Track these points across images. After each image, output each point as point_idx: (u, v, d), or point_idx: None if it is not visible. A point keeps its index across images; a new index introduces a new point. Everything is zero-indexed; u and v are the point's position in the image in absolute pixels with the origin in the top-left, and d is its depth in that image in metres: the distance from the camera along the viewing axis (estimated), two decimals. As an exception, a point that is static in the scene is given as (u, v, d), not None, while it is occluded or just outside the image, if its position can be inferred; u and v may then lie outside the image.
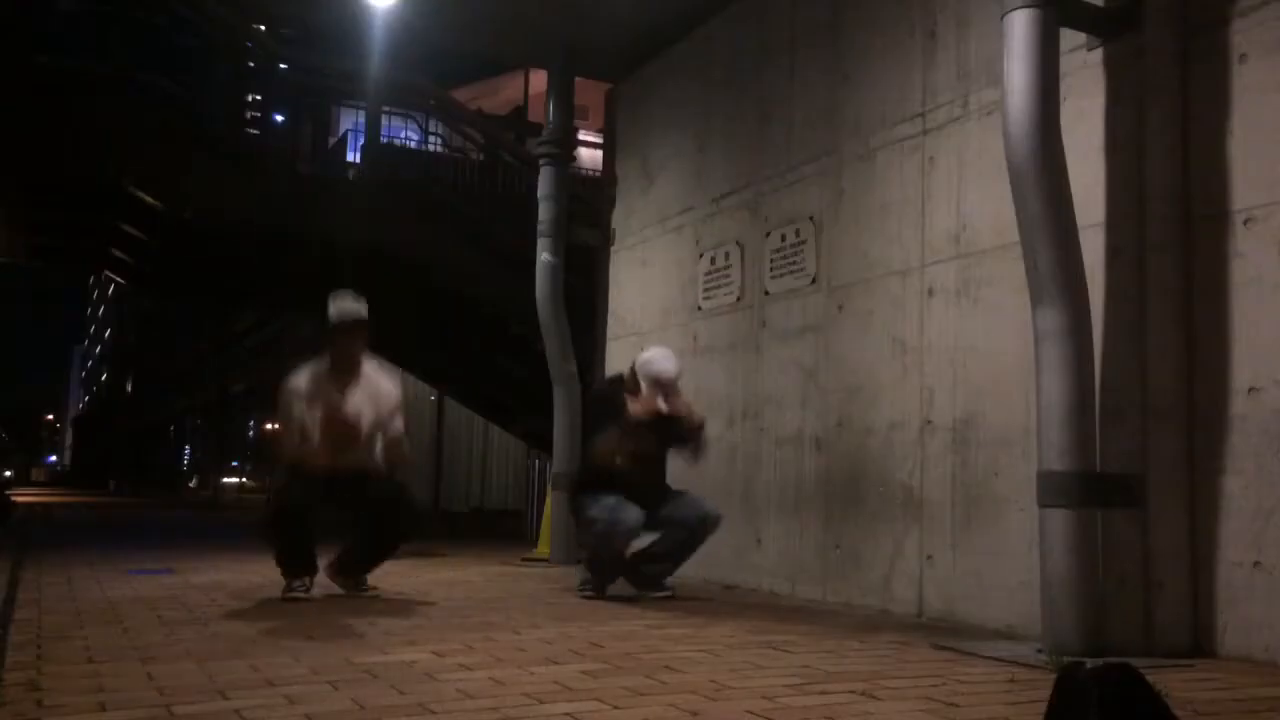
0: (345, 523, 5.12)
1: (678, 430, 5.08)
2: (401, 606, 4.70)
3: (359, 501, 4.97)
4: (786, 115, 5.81)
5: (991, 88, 4.38)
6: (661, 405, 4.99)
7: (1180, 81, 3.83)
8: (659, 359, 5.11)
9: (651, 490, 5.10)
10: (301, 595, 4.82)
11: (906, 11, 4.97)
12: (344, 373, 5.02)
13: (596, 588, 5.16)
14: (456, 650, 3.44)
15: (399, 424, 5.16)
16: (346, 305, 5.01)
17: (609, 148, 7.88)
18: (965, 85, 4.63)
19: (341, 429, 4.92)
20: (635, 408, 4.98)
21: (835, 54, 5.44)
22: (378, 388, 5.10)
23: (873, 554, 4.93)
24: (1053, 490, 3.59)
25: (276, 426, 5.06)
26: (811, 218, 5.55)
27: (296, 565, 4.90)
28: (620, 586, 5.16)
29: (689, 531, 5.05)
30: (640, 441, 5.03)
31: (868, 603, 4.92)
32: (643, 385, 5.04)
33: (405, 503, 5.20)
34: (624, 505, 4.93)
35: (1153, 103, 3.79)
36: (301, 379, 5.02)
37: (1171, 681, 2.94)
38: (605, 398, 5.23)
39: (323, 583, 4.99)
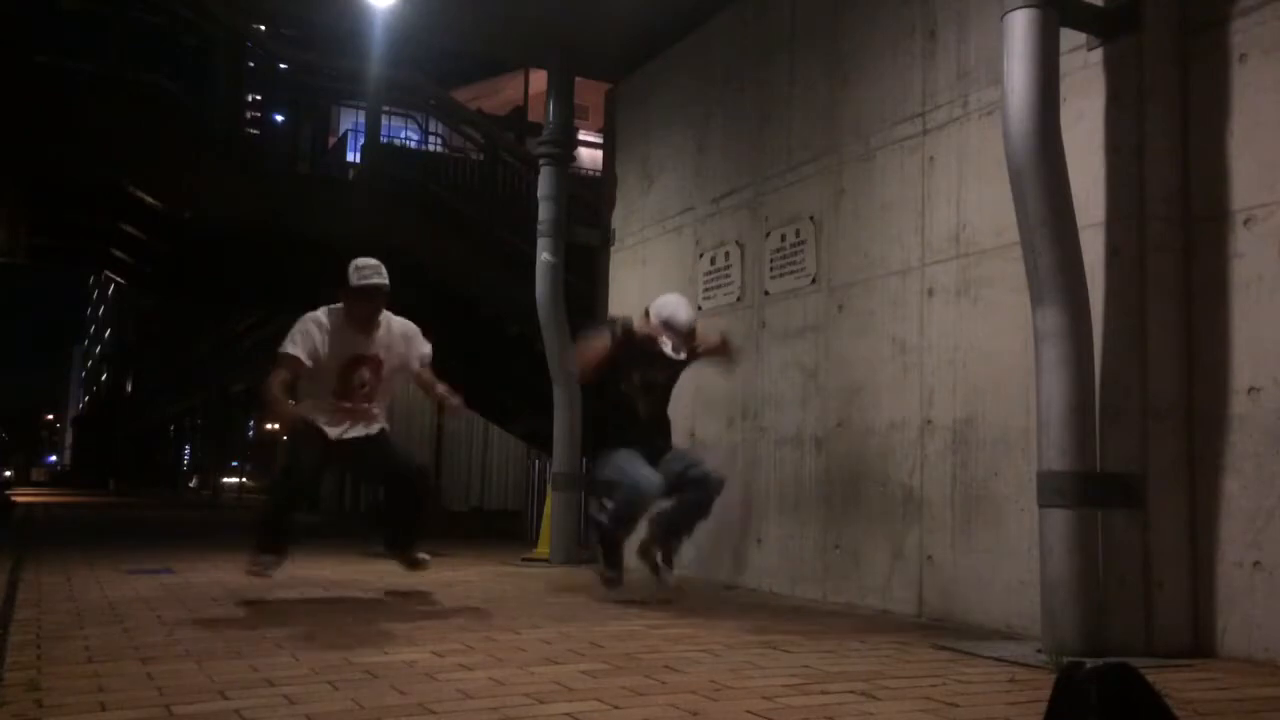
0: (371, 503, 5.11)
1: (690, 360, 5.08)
2: (401, 606, 4.70)
3: (373, 472, 4.92)
4: (786, 115, 5.81)
5: (991, 87, 4.38)
6: (665, 346, 4.92)
7: (1180, 81, 3.83)
8: (673, 304, 5.01)
9: (658, 439, 5.05)
10: (265, 572, 4.76)
11: (906, 11, 4.97)
12: (363, 326, 4.95)
13: (613, 565, 4.97)
14: (456, 650, 3.44)
15: (427, 349, 5.08)
16: (369, 272, 4.91)
17: (609, 148, 7.88)
18: (965, 85, 4.63)
19: (366, 367, 4.88)
20: (645, 330, 4.94)
21: (835, 54, 5.44)
22: (400, 330, 5.03)
23: (873, 554, 4.93)
24: (1053, 490, 3.59)
25: (284, 353, 4.85)
26: (811, 218, 5.55)
27: (271, 541, 4.83)
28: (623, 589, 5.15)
29: (703, 494, 4.92)
30: (648, 372, 4.99)
31: (868, 603, 4.92)
32: (653, 322, 4.99)
33: (416, 472, 5.16)
34: (643, 467, 4.83)
35: (1153, 103, 3.79)
36: (321, 315, 4.93)
37: (1171, 681, 2.94)
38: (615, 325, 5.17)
39: (329, 581, 4.98)
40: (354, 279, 4.89)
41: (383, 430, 5.05)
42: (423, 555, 5.14)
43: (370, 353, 4.92)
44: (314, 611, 4.47)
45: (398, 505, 5.14)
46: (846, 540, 5.11)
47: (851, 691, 2.85)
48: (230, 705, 2.58)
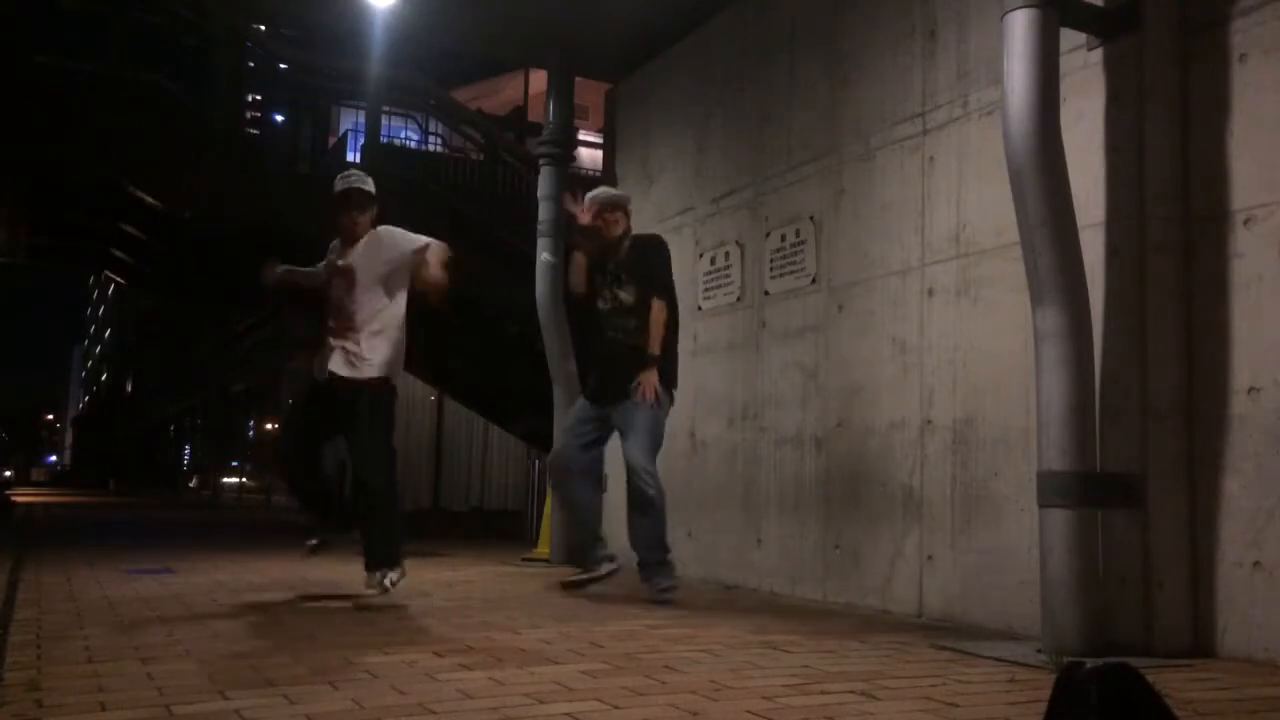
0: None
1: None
2: (401, 606, 4.69)
3: (348, 446, 4.70)
4: (786, 115, 5.81)
5: (991, 88, 4.38)
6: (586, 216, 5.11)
7: (1180, 81, 3.83)
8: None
9: (615, 368, 4.96)
10: (312, 547, 4.83)
11: (906, 11, 4.97)
12: (349, 241, 4.81)
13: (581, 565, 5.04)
14: (456, 650, 3.44)
15: (420, 241, 4.73)
16: (352, 177, 4.76)
17: (609, 148, 7.88)
18: (965, 85, 4.63)
19: (341, 281, 4.67)
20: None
21: (835, 54, 5.44)
22: (378, 242, 4.75)
23: (873, 554, 4.93)
24: (1053, 490, 3.59)
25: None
26: (811, 218, 5.55)
27: (314, 514, 4.84)
28: (620, 587, 5.16)
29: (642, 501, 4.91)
30: (601, 283, 5.08)
31: (868, 603, 4.92)
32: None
33: (367, 485, 4.72)
34: (565, 433, 4.92)
35: (1153, 103, 3.79)
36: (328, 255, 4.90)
37: (1171, 681, 2.94)
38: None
39: (328, 581, 4.98)
40: (335, 188, 4.77)
41: (369, 385, 4.62)
42: (375, 585, 4.62)
43: (345, 265, 4.66)
44: (314, 611, 4.47)
45: (361, 504, 4.73)
46: (846, 540, 5.11)
47: (851, 691, 2.85)
48: (230, 705, 2.58)
